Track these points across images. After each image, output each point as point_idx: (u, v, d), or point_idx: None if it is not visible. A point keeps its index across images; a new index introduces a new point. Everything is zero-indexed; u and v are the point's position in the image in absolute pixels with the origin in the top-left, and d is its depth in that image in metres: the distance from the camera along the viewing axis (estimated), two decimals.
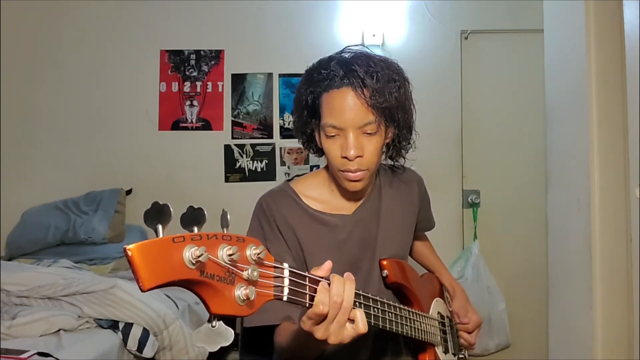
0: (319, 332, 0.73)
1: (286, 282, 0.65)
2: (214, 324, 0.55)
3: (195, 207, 0.55)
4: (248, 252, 0.58)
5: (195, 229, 0.54)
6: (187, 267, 0.50)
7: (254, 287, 0.56)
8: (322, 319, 0.72)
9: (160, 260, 0.48)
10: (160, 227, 0.51)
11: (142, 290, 0.47)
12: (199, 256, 0.49)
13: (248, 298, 0.55)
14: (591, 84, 1.34)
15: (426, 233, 1.46)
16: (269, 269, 0.62)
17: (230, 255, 0.53)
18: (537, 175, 2.11)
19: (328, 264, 0.75)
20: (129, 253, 0.46)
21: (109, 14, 3.05)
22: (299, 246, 1.10)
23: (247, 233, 1.13)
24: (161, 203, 0.51)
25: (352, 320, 0.75)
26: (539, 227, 2.02)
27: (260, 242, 0.61)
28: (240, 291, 0.55)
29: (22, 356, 1.58)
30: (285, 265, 0.66)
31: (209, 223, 0.56)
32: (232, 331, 0.55)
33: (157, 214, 0.51)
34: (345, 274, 0.76)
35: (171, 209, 0.51)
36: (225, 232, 0.56)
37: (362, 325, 0.75)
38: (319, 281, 0.72)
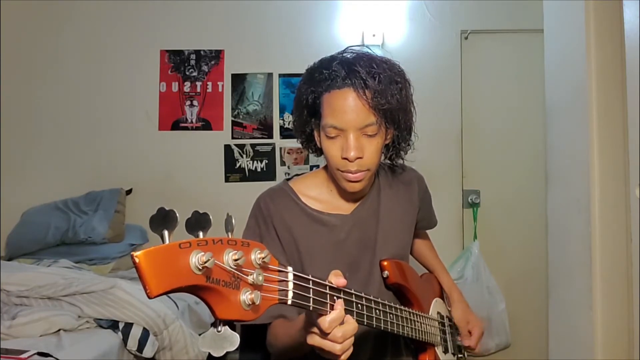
0: (311, 339, 0.76)
1: (290, 285, 0.66)
2: (219, 328, 0.55)
3: (201, 212, 0.55)
4: (253, 257, 0.58)
5: (201, 234, 0.54)
6: (193, 273, 0.50)
7: (259, 292, 0.57)
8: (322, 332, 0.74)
9: (167, 267, 0.48)
10: (166, 232, 0.51)
11: (149, 297, 0.47)
12: (205, 262, 0.49)
13: (253, 302, 0.55)
14: (591, 84, 1.33)
15: (427, 232, 1.46)
16: (273, 273, 0.63)
17: (235, 260, 0.53)
18: (537, 175, 2.11)
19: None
20: (136, 260, 0.46)
21: (109, 14, 3.04)
22: (296, 246, 1.10)
23: (244, 231, 1.13)
24: (167, 209, 0.51)
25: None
26: (539, 227, 2.02)
27: (262, 245, 0.61)
28: (246, 296, 0.55)
29: (22, 356, 1.58)
30: (290, 269, 0.66)
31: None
32: (238, 336, 0.55)
33: (162, 220, 0.51)
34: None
35: (177, 215, 0.51)
36: (230, 236, 0.56)
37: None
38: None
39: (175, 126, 3.07)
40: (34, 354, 1.60)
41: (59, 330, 1.80)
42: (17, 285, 1.94)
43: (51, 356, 1.61)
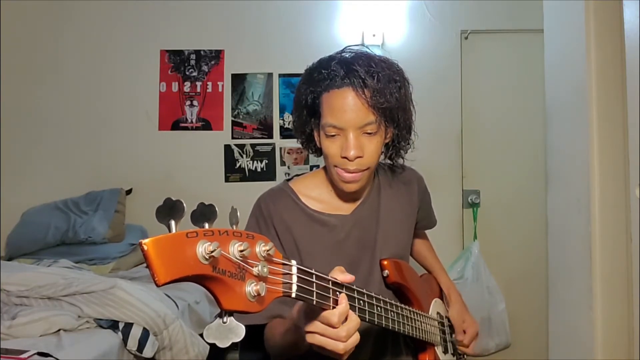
0: (311, 338, 0.76)
1: (294, 279, 0.66)
2: (224, 319, 0.55)
3: (206, 203, 0.55)
4: (257, 249, 0.58)
5: (207, 226, 0.54)
6: (200, 263, 0.50)
7: (264, 284, 0.57)
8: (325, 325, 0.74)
9: (175, 255, 0.48)
10: (172, 222, 0.51)
11: (157, 285, 0.47)
12: (212, 251, 0.50)
13: (259, 294, 0.56)
14: (591, 84, 1.33)
15: (427, 232, 1.46)
16: (277, 266, 0.63)
17: (241, 251, 0.53)
18: (537, 175, 2.12)
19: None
20: (145, 247, 0.47)
21: (109, 14, 3.05)
22: (296, 246, 1.10)
23: None
24: (174, 199, 0.51)
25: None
26: (539, 227, 2.02)
27: (267, 238, 0.62)
28: (251, 287, 0.55)
29: (22, 356, 1.57)
30: (293, 262, 0.67)
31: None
32: (243, 327, 0.55)
33: (169, 210, 0.51)
34: None
35: (184, 205, 0.51)
36: (235, 228, 0.57)
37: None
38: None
39: (175, 126, 3.07)
40: (34, 354, 1.59)
41: (59, 330, 1.80)
42: (17, 285, 1.94)
43: (51, 356, 1.61)
